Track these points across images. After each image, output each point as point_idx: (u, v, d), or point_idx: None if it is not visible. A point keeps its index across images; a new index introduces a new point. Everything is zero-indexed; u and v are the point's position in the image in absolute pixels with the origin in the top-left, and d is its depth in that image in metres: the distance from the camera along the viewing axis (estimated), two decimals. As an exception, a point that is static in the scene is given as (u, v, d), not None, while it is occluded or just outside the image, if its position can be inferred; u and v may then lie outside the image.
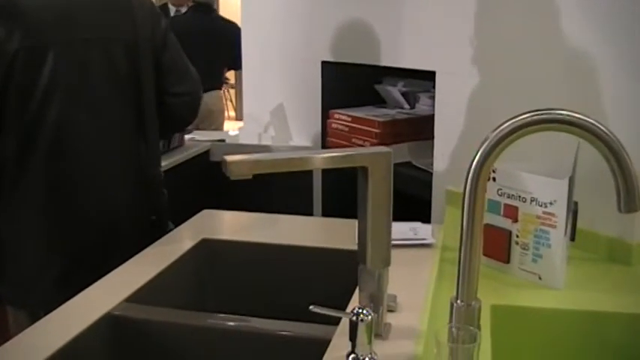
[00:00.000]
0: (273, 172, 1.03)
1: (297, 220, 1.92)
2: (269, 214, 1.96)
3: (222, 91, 4.68)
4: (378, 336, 1.16)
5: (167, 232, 1.85)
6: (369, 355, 1.07)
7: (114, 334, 1.34)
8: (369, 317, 1.05)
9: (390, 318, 1.22)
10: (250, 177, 1.02)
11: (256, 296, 1.73)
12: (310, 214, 2.76)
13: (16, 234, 1.80)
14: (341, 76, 2.65)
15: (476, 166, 0.97)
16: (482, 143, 0.97)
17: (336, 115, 2.61)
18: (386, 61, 2.28)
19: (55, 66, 1.72)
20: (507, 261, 1.49)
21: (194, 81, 2.02)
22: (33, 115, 1.73)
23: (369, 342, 1.07)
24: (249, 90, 3.28)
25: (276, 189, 2.54)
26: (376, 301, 1.16)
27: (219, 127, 4.45)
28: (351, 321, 1.06)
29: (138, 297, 1.43)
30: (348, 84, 2.67)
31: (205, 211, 2.00)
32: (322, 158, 1.05)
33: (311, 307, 1.04)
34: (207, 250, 1.74)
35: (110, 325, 1.34)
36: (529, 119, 0.94)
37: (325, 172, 2.73)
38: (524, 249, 1.46)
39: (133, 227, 1.90)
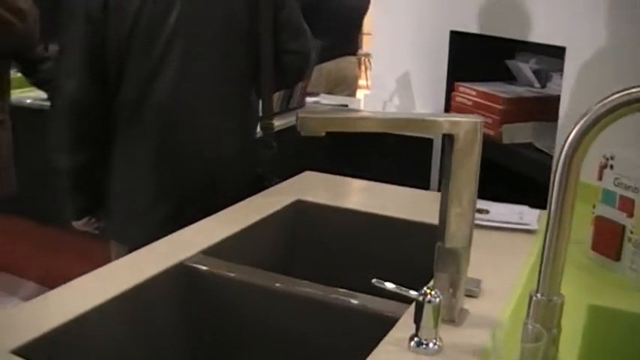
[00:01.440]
0: (346, 131, 0.95)
1: (401, 191, 1.82)
2: (375, 182, 1.87)
3: (357, 58, 4.58)
4: (450, 321, 1.06)
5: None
6: (434, 341, 0.98)
7: (185, 285, 1.31)
8: (437, 300, 0.96)
9: (468, 304, 1.11)
10: (322, 134, 0.95)
11: (339, 263, 1.65)
12: (426, 187, 2.64)
13: (128, 173, 1.84)
14: (470, 48, 2.50)
15: (571, 143, 0.84)
16: (582, 117, 0.84)
17: (461, 89, 2.48)
18: (515, 34, 2.12)
19: (179, 16, 1.75)
20: (617, 259, 1.33)
21: (307, 40, 1.99)
22: (154, 62, 1.76)
23: (435, 326, 0.97)
24: (378, 56, 3.19)
25: (395, 158, 2.45)
26: (452, 283, 1.05)
27: (351, 94, 4.37)
28: (417, 301, 0.97)
29: (216, 250, 1.40)
30: (478, 57, 2.51)
31: (307, 173, 1.94)
32: (400, 121, 0.95)
33: (373, 280, 0.96)
34: (299, 211, 1.69)
35: (182, 274, 1.31)
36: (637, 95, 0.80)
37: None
38: (637, 247, 1.30)
39: (238, 178, 1.90)
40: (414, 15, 2.80)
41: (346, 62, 4.31)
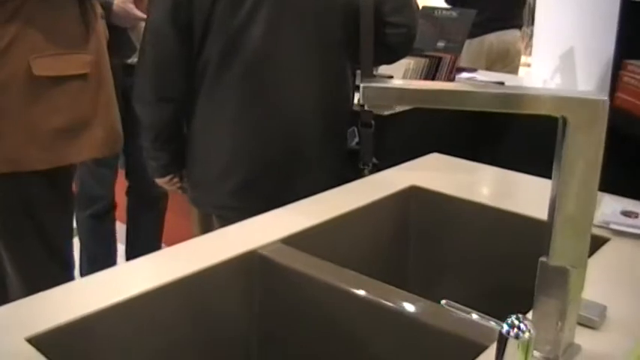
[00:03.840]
0: (419, 105, 0.72)
1: (541, 184, 1.53)
2: (513, 171, 1.61)
3: (521, 31, 4.20)
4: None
5: (369, 168, 1.77)
6: (522, 387, 0.74)
7: (256, 275, 1.15)
8: (527, 334, 0.72)
9: (583, 337, 0.86)
10: (392, 108, 0.73)
11: (456, 267, 1.42)
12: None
13: (206, 135, 1.79)
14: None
15: None
16: None
17: (630, 67, 2.13)
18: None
19: None
20: None
21: (412, 13, 1.81)
22: (241, 21, 1.67)
23: (524, 367, 0.73)
24: (540, 30, 2.87)
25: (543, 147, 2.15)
26: (558, 312, 0.80)
27: (513, 71, 4.01)
28: (500, 334, 0.73)
29: (299, 240, 1.21)
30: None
31: (432, 155, 1.72)
32: (489, 96, 0.71)
33: (443, 301, 0.73)
34: (412, 200, 1.47)
35: (253, 263, 1.14)
36: None
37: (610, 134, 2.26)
38: None
39: (325, 152, 1.80)
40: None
41: (509, 36, 3.96)
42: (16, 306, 0.99)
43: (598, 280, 1.03)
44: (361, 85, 0.71)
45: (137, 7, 2.42)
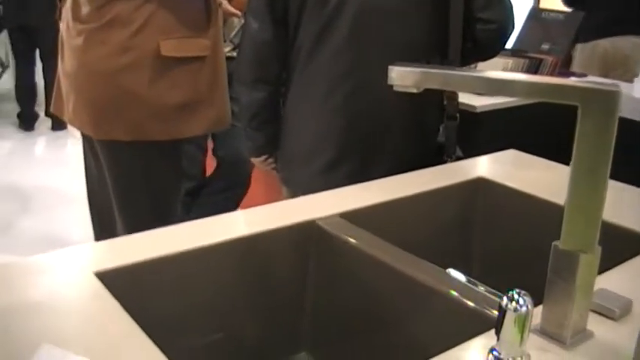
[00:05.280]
0: (443, 88, 0.79)
1: (624, 190, 1.52)
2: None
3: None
4: (559, 342, 0.85)
5: (452, 160, 1.78)
6: (518, 359, 0.79)
7: (312, 245, 1.23)
8: (524, 309, 0.77)
9: (599, 325, 0.89)
10: (417, 90, 0.80)
11: (517, 261, 1.45)
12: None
13: (296, 117, 1.88)
14: None
15: None
16: None
17: None
18: None
19: None
20: None
21: (504, 9, 1.81)
22: (330, 12, 1.75)
23: (520, 341, 0.78)
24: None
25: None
26: (567, 295, 0.84)
27: (629, 79, 3.88)
28: (499, 306, 0.78)
29: (358, 216, 1.29)
30: None
31: (509, 152, 1.74)
32: (503, 82, 0.76)
33: (448, 269, 0.79)
34: (478, 190, 1.51)
35: (311, 233, 1.23)
36: None
37: None
38: None
39: (408, 141, 1.83)
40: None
41: (628, 41, 3.82)
42: (92, 245, 1.12)
43: (635, 277, 1.06)
44: (391, 67, 0.78)
45: (230, 3, 2.54)
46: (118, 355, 0.81)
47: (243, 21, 2.53)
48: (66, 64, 1.93)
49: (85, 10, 1.85)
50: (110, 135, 1.88)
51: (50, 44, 5.65)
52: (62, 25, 1.99)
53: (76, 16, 1.88)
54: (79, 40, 1.85)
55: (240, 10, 2.46)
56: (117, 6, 1.81)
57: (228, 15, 2.57)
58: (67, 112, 1.97)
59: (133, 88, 1.83)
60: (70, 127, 5.63)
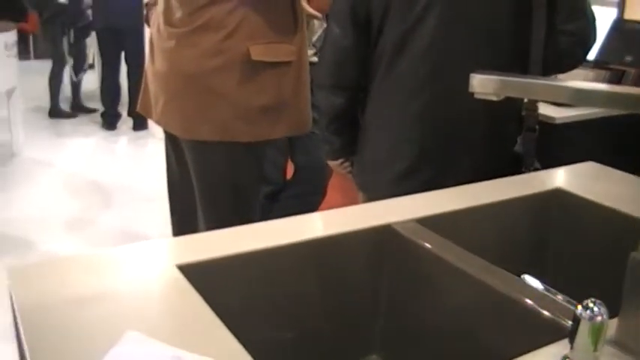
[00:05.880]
0: (523, 97, 0.80)
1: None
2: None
3: None
4: (634, 355, 0.85)
5: (530, 172, 1.76)
6: (592, 369, 0.79)
7: (387, 248, 1.25)
8: (599, 318, 0.77)
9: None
10: (497, 98, 0.81)
11: (594, 274, 1.43)
12: None
13: (376, 123, 1.90)
14: None
15: None
16: None
17: None
18: None
19: None
20: None
21: (588, 22, 1.80)
22: (412, 21, 1.77)
23: (594, 351, 0.78)
24: None
25: None
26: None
27: None
28: (574, 314, 0.79)
29: (434, 222, 1.30)
30: None
31: (588, 164, 1.72)
32: (584, 91, 0.77)
33: (523, 275, 0.80)
34: (555, 202, 1.50)
35: (387, 237, 1.25)
36: None
37: None
38: None
39: (486, 151, 1.84)
40: None
41: None
42: (176, 240, 1.17)
43: None
44: (473, 75, 0.80)
45: (309, 4, 2.58)
46: (198, 345, 0.84)
47: (325, 24, 2.57)
48: (156, 65, 2.00)
49: (177, 14, 1.93)
50: (197, 135, 1.94)
51: (135, 46, 5.87)
52: (152, 29, 2.07)
53: (168, 21, 1.95)
54: (171, 43, 1.93)
55: (320, 12, 2.50)
56: (209, 11, 1.87)
57: (308, 17, 2.61)
58: (155, 112, 2.05)
59: (222, 90, 1.89)
60: (150, 127, 5.82)
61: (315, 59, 2.36)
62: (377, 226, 1.25)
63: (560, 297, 0.96)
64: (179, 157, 2.12)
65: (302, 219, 1.27)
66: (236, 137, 1.93)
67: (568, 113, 2.62)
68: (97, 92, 6.44)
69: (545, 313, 0.97)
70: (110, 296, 0.95)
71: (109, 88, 6.19)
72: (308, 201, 3.02)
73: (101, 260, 1.07)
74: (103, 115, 6.30)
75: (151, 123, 5.51)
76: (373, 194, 1.90)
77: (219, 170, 2.00)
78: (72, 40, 6.23)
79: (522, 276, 1.03)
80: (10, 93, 5.22)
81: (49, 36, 6.40)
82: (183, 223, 2.23)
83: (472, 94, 1.77)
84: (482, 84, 0.80)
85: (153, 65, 2.05)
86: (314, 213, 1.30)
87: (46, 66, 6.44)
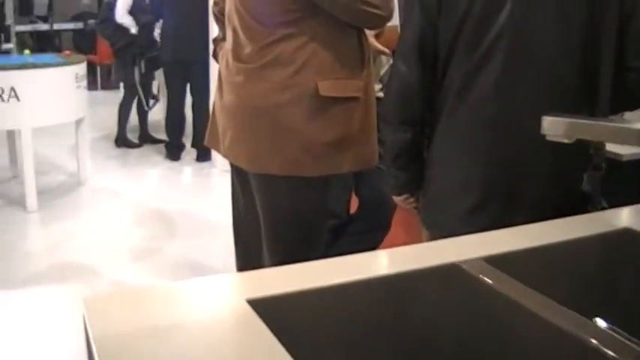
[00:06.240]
0: (595, 140, 0.80)
1: None
2: None
3: None
4: None
5: (597, 211, 1.76)
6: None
7: (453, 287, 1.25)
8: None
9: None
10: (568, 140, 0.82)
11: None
12: None
13: (442, 159, 1.90)
14: None
15: None
16: None
17: None
18: None
19: (510, 16, 1.73)
20: None
21: None
22: (479, 57, 1.77)
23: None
24: None
25: None
26: None
27: None
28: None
29: (501, 261, 1.29)
30: None
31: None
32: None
33: (595, 318, 0.79)
34: (624, 242, 1.47)
35: (453, 276, 1.25)
36: None
37: None
38: None
39: (552, 189, 1.82)
40: None
41: None
42: (246, 274, 1.20)
43: None
44: (545, 117, 0.80)
45: (377, 40, 2.61)
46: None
47: (391, 60, 2.59)
48: (225, 100, 2.05)
49: (246, 50, 1.98)
50: (265, 169, 1.98)
51: (201, 79, 5.99)
52: (221, 64, 2.13)
53: (237, 57, 2.01)
54: (240, 78, 1.98)
55: (388, 48, 2.53)
56: (278, 47, 1.92)
57: (376, 52, 2.64)
58: (223, 146, 2.10)
59: (290, 125, 1.93)
60: (213, 159, 5.91)
61: (381, 94, 2.39)
62: (444, 265, 1.26)
63: (624, 338, 0.95)
64: (245, 189, 2.16)
65: (370, 256, 1.28)
66: (303, 172, 1.96)
67: (635, 150, 2.57)
68: (162, 123, 6.58)
69: (612, 354, 0.96)
70: (182, 329, 0.98)
71: (174, 120, 6.32)
72: (372, 236, 3.03)
73: (174, 292, 1.10)
74: (167, 145, 6.43)
75: (213, 154, 5.63)
76: (438, 231, 1.89)
77: (285, 204, 2.04)
78: (143, 70, 6.39)
79: (594, 319, 1.02)
80: (79, 123, 5.38)
81: (120, 66, 6.61)
82: (248, 254, 2.26)
83: (538, 130, 1.77)
84: (554, 126, 0.81)
85: (221, 100, 2.10)
86: (379, 250, 1.31)
87: (112, 96, 6.63)
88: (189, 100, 6.34)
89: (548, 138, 0.82)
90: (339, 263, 1.23)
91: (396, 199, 2.07)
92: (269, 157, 1.96)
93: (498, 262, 1.28)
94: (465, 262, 1.27)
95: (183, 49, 5.90)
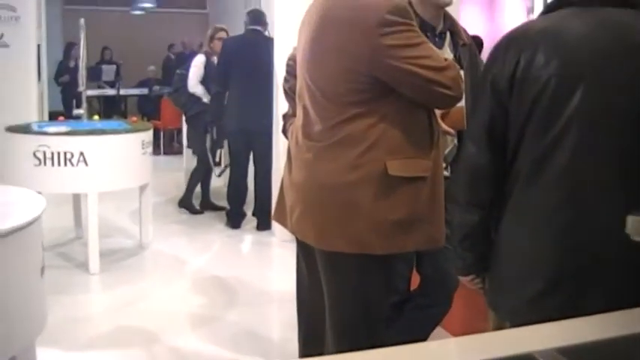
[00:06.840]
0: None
1: None
2: None
3: None
4: None
5: None
6: None
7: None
8: None
9: None
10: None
11: None
12: None
13: (512, 242, 1.86)
14: None
15: None
16: None
17: None
18: None
19: (583, 99, 1.72)
20: None
21: None
22: (550, 141, 1.76)
23: None
24: None
25: None
26: None
27: None
28: None
29: (577, 352, 1.26)
30: None
31: None
32: None
33: None
34: None
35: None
36: None
37: None
38: None
39: (623, 273, 1.75)
40: None
41: None
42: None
43: None
44: (629, 217, 0.80)
45: (442, 121, 2.61)
46: None
47: (456, 140, 2.60)
48: (294, 176, 2.09)
49: (317, 128, 2.01)
50: (333, 246, 1.99)
51: (264, 149, 6.07)
52: (291, 141, 2.17)
53: (307, 134, 2.05)
54: (309, 156, 2.01)
55: (453, 129, 2.53)
56: (349, 126, 1.95)
57: (442, 133, 2.65)
58: (290, 221, 2.12)
59: (359, 203, 1.94)
60: (273, 228, 5.94)
61: (446, 173, 2.39)
62: (518, 355, 1.23)
63: None
64: (310, 265, 2.17)
65: (442, 343, 1.28)
66: (370, 250, 1.97)
67: None
68: (223, 190, 6.67)
69: None
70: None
71: (236, 188, 6.38)
72: (433, 312, 2.99)
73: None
74: (228, 213, 6.49)
75: (273, 223, 5.65)
76: (505, 314, 1.87)
77: (350, 281, 2.04)
78: (215, 137, 6.52)
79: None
80: (143, 188, 5.48)
81: (192, 134, 6.76)
82: (311, 330, 2.26)
83: (610, 214, 1.74)
84: (636, 226, 0.80)
85: (290, 176, 2.13)
86: (451, 338, 1.30)
87: (174, 161, 6.73)
88: (251, 169, 6.42)
89: (633, 238, 0.81)
90: (413, 350, 1.22)
91: (463, 279, 2.05)
92: (337, 234, 1.98)
93: (572, 353, 1.26)
94: (539, 352, 1.25)
95: (248, 119, 6.01)
